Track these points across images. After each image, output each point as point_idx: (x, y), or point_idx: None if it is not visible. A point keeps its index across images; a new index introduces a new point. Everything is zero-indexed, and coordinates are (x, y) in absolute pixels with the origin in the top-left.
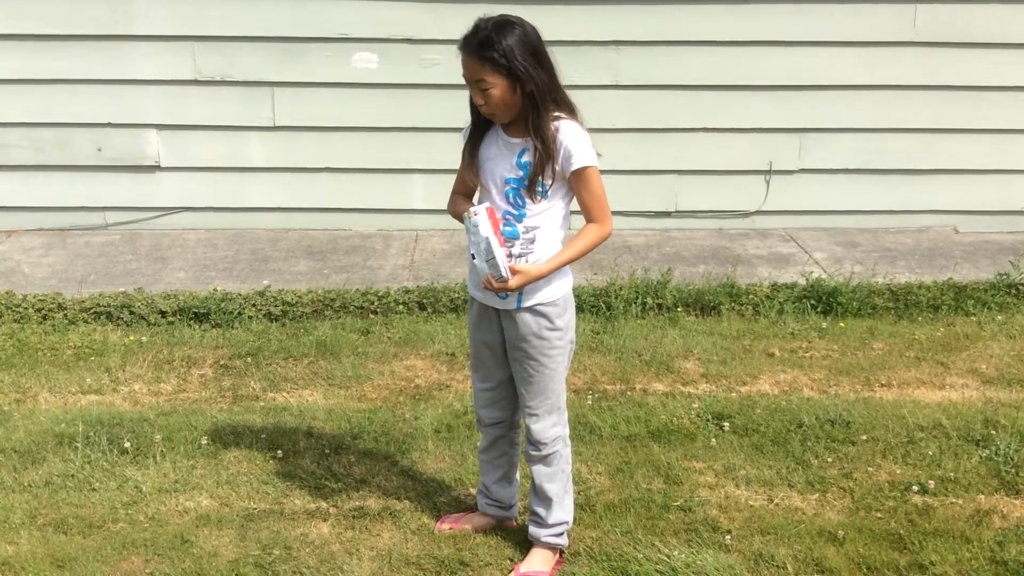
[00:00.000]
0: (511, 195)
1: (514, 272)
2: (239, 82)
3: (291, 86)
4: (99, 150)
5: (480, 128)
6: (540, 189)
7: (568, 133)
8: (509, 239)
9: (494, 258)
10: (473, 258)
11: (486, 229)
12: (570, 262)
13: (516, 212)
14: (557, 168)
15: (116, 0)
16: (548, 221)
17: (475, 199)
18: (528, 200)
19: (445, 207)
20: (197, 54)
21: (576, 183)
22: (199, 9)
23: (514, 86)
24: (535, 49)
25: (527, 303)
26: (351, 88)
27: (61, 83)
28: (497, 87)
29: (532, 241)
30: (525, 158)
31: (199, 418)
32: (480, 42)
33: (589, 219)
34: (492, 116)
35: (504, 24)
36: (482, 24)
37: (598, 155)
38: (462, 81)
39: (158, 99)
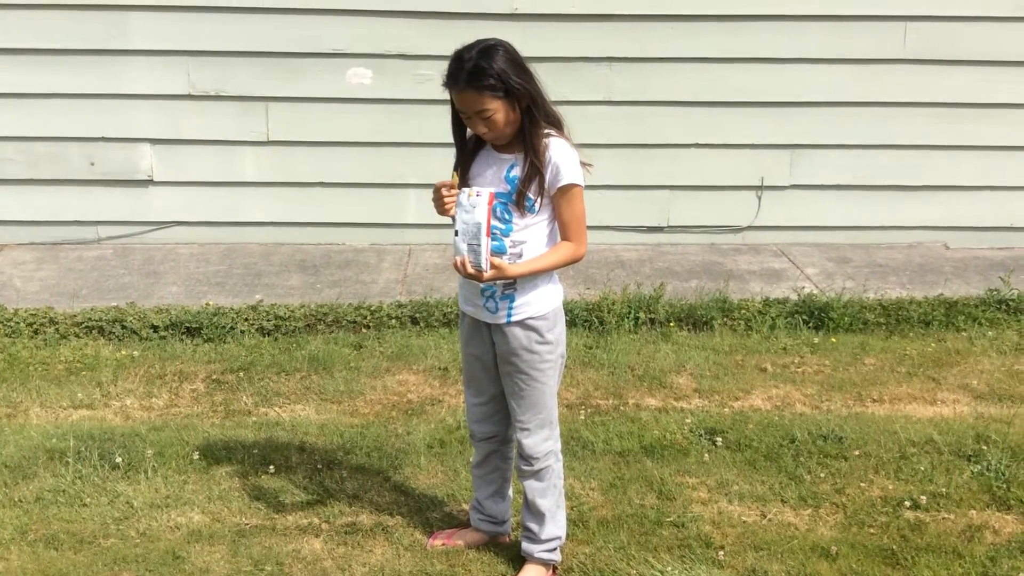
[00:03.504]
0: (498, 209)
1: (491, 266)
2: (233, 97)
3: (285, 101)
4: (92, 164)
5: (469, 150)
6: (528, 203)
7: (557, 150)
8: (496, 253)
9: (479, 244)
10: (456, 234)
11: (482, 214)
12: (540, 272)
13: (503, 227)
14: (545, 184)
15: (111, 15)
16: (535, 236)
17: None
18: (515, 214)
19: (438, 221)
20: (191, 69)
21: (559, 199)
22: (193, 24)
23: (512, 105)
24: (521, 66)
25: (517, 317)
26: (345, 103)
27: (55, 97)
28: (498, 112)
29: (520, 256)
30: (514, 172)
31: (191, 433)
32: (470, 73)
33: (565, 237)
34: (496, 141)
35: (488, 48)
36: (466, 54)
37: (590, 168)
38: (463, 117)
39: (152, 114)
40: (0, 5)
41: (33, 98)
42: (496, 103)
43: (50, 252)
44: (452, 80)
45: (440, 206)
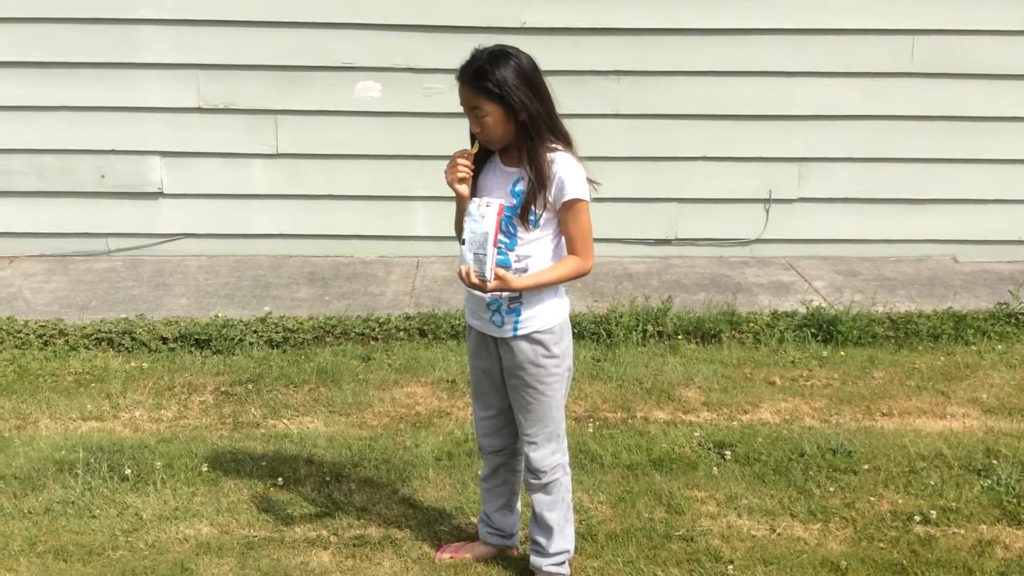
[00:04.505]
0: (504, 223)
1: (496, 277)
2: (243, 110)
3: (294, 114)
4: (102, 177)
5: (480, 157)
6: (532, 218)
7: (563, 164)
8: (501, 267)
9: (484, 255)
10: (463, 243)
11: (490, 224)
12: (545, 285)
13: (508, 240)
14: (549, 198)
15: (122, 28)
16: (540, 251)
17: None
18: (520, 228)
19: (446, 234)
20: (201, 82)
21: (565, 214)
22: (204, 38)
23: (508, 115)
24: (530, 79)
25: (523, 331)
26: (354, 116)
27: (65, 110)
28: (491, 115)
29: (525, 270)
30: (519, 187)
31: (199, 445)
32: (475, 72)
33: (571, 251)
34: (488, 143)
35: (499, 54)
36: (478, 54)
37: (598, 185)
38: (463, 110)
39: (162, 126)
40: (11, 18)
41: (44, 111)
42: (490, 106)
43: (60, 264)
44: (460, 73)
45: (452, 174)
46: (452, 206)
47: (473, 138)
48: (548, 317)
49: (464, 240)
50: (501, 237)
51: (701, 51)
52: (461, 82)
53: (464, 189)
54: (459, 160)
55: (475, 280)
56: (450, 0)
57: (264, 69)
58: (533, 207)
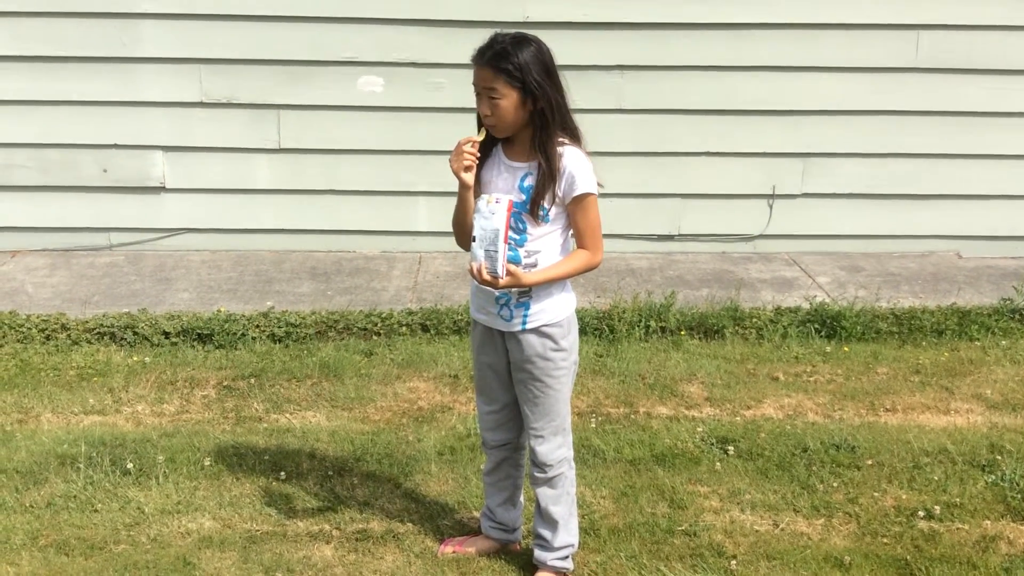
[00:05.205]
0: (512, 219)
1: (507, 273)
2: (245, 104)
3: (297, 109)
4: (105, 171)
5: (482, 149)
6: (542, 212)
7: (572, 159)
8: (511, 263)
9: (496, 251)
10: (474, 240)
11: (500, 220)
12: (556, 280)
13: (518, 237)
14: (559, 192)
15: (124, 23)
16: (549, 245)
17: None
18: (529, 223)
19: (449, 229)
20: (204, 76)
21: (574, 209)
22: (206, 32)
23: (524, 101)
24: (548, 69)
25: (531, 324)
26: (356, 111)
27: (68, 104)
28: (507, 99)
29: (535, 265)
30: (528, 182)
31: (202, 439)
32: (496, 54)
33: (581, 245)
34: (494, 128)
35: (521, 40)
36: (499, 37)
37: (600, 184)
38: (467, 104)
39: (164, 121)
40: (13, 12)
41: (46, 105)
42: (507, 89)
43: (62, 258)
44: (478, 55)
45: (458, 161)
46: (454, 201)
47: (479, 125)
48: (556, 311)
49: (474, 237)
50: (511, 233)
51: (704, 46)
52: (479, 63)
53: (469, 178)
54: (465, 148)
55: (487, 277)
56: None
57: (266, 63)
58: (543, 201)
